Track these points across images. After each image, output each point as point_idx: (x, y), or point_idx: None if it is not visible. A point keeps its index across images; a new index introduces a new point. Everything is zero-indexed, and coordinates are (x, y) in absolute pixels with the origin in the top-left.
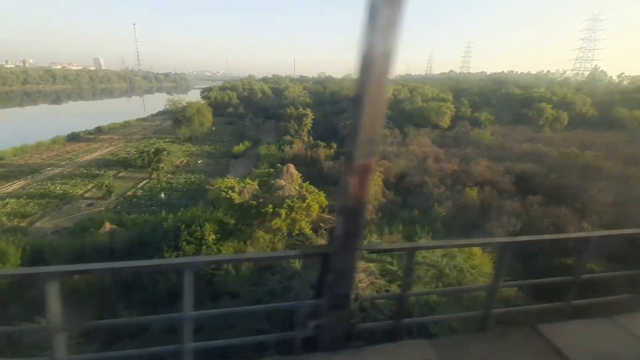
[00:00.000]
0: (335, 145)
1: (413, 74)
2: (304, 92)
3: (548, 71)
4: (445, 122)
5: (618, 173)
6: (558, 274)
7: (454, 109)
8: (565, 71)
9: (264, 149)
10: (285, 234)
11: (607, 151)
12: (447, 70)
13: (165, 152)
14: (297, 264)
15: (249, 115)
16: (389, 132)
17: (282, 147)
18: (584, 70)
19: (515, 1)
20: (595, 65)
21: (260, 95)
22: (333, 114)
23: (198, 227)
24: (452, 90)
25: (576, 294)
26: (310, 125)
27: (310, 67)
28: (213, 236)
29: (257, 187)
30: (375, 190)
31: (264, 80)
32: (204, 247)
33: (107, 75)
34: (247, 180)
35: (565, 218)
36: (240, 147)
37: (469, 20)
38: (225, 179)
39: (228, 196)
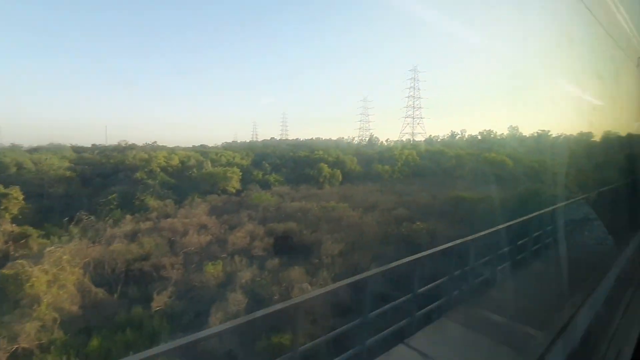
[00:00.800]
0: None
1: (239, 141)
2: None
3: (343, 137)
4: (233, 186)
5: (355, 221)
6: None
7: (240, 173)
8: (354, 137)
9: None
10: None
11: (353, 201)
12: (268, 138)
13: None
14: None
15: None
16: (157, 204)
17: None
18: (364, 137)
19: (324, 80)
20: (371, 133)
21: None
22: None
23: None
24: (259, 155)
25: None
26: None
27: None
28: None
29: None
30: (65, 294)
31: None
32: None
33: None
34: None
35: (296, 278)
36: None
37: (290, 93)
38: None
39: None
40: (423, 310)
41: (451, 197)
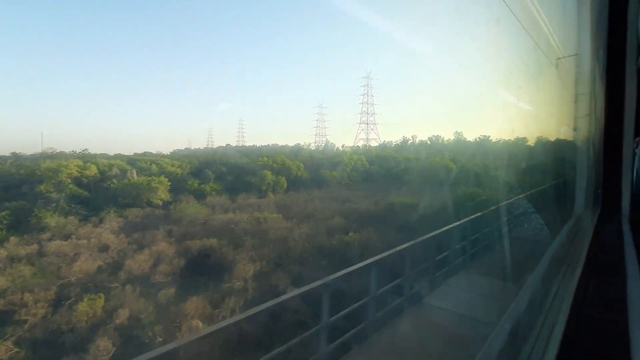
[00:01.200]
0: None
1: (193, 148)
2: None
3: (299, 144)
4: (159, 198)
5: (283, 234)
6: None
7: (169, 183)
8: (310, 144)
9: None
10: None
11: (290, 211)
12: (224, 144)
13: None
14: None
15: None
16: (57, 221)
17: None
18: (320, 143)
19: (282, 86)
20: (327, 139)
21: None
22: None
23: None
24: (203, 163)
25: None
26: None
27: None
28: None
29: None
30: None
31: None
32: None
33: None
34: None
35: (191, 312)
36: None
37: (248, 99)
38: None
39: None
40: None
41: (390, 204)
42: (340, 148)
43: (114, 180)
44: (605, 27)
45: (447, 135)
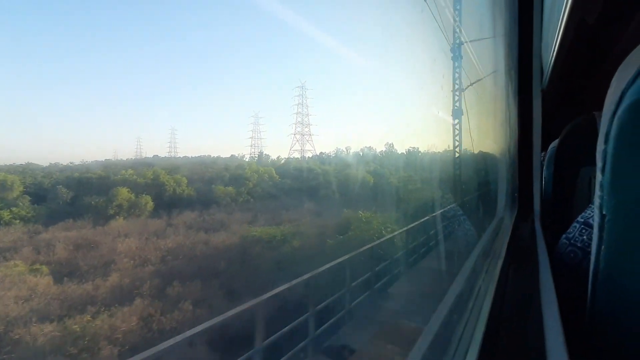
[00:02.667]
0: None
1: (124, 158)
2: None
3: (235, 155)
4: None
5: None
6: None
7: None
8: (244, 155)
9: None
10: None
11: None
12: (151, 155)
13: None
14: None
15: None
16: None
17: None
18: (254, 154)
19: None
20: (261, 150)
21: None
22: None
23: None
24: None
25: None
26: None
27: None
28: None
29: None
30: None
31: None
32: None
33: None
34: None
35: None
36: None
37: (183, 106)
38: None
39: None
40: None
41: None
42: (275, 159)
43: None
44: (516, 54)
45: (380, 147)
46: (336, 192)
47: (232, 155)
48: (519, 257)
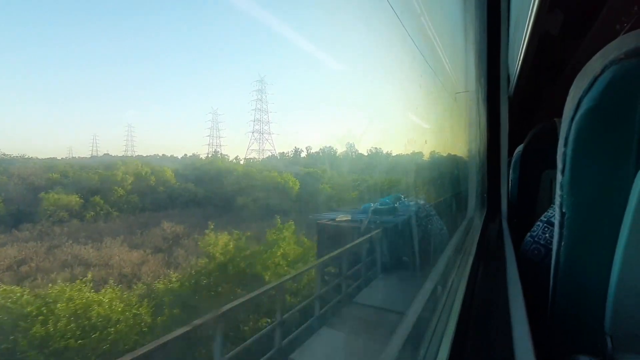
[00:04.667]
0: None
1: (78, 157)
2: None
3: (189, 154)
4: None
5: None
6: None
7: None
8: (200, 154)
9: None
10: None
11: None
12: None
13: None
14: None
15: None
16: None
17: None
18: (212, 153)
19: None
20: (216, 150)
21: None
22: None
23: None
24: None
25: None
26: None
27: None
28: None
29: None
30: None
31: None
32: None
33: None
34: None
35: None
36: None
37: (142, 103)
38: None
39: None
40: None
41: None
42: (234, 160)
43: None
44: (485, 62)
45: (341, 147)
46: (249, 200)
47: (185, 154)
48: (488, 255)
